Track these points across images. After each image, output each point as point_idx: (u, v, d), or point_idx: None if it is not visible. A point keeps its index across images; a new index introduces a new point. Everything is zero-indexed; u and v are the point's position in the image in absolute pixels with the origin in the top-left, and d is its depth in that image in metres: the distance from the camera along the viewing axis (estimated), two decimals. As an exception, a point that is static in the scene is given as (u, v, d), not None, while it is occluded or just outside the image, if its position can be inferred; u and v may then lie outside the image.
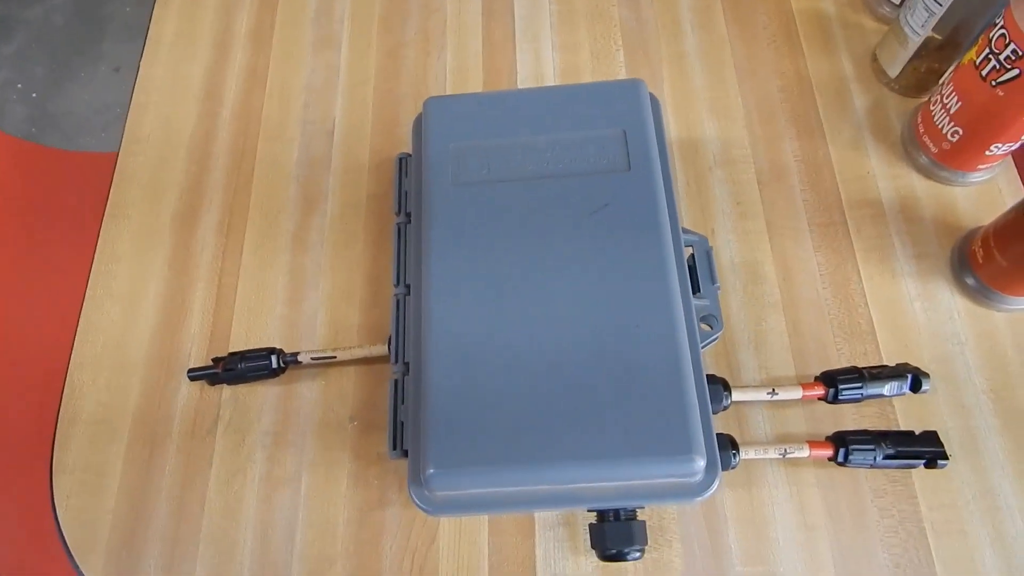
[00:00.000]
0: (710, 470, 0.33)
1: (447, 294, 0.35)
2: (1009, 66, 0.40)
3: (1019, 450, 0.42)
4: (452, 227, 0.37)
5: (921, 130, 0.49)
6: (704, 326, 0.38)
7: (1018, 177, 0.49)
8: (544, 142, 0.38)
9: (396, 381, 0.39)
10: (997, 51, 0.41)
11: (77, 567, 0.41)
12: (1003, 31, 0.40)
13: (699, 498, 0.33)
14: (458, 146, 0.39)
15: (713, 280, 0.39)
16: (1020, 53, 0.39)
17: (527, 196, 0.37)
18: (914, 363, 0.43)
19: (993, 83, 0.42)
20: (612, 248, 0.35)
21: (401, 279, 0.41)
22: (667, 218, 0.36)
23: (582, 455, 0.32)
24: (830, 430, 0.41)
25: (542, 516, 0.41)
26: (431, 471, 0.32)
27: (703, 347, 0.37)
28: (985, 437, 0.42)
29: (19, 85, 1.62)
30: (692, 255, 0.40)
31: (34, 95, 1.62)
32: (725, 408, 0.39)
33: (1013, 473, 0.41)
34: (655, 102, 0.42)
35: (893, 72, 0.51)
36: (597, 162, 0.37)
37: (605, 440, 0.32)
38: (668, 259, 0.35)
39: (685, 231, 0.39)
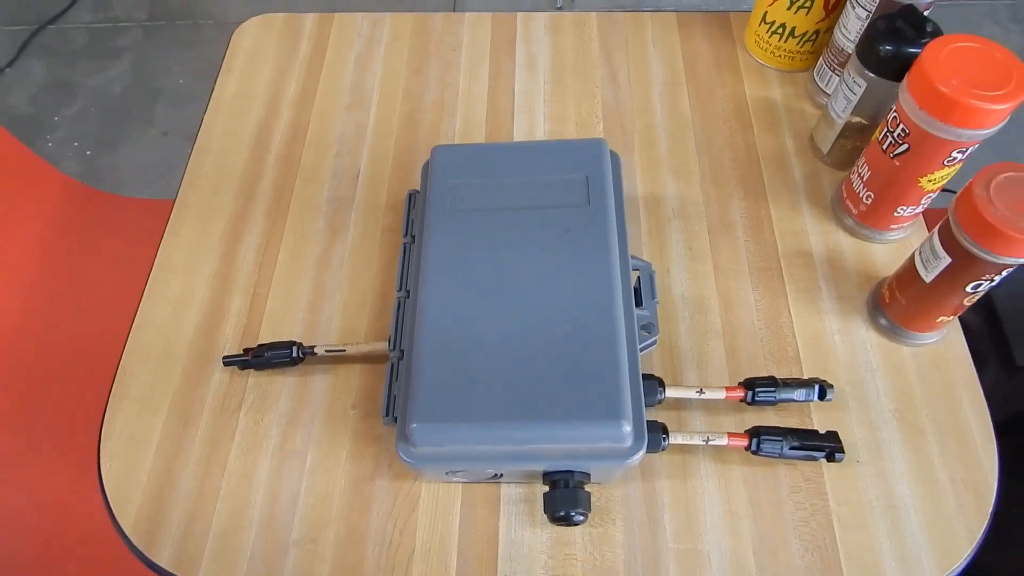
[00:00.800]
0: (638, 439, 0.41)
1: (437, 292, 0.45)
2: (901, 141, 0.50)
3: (916, 459, 0.49)
4: (446, 242, 0.46)
5: (844, 195, 0.58)
6: (644, 332, 0.47)
7: (927, 235, 0.58)
8: (524, 182, 0.49)
9: (392, 364, 0.47)
10: (892, 129, 0.51)
11: (113, 516, 0.48)
12: (895, 114, 0.50)
13: (627, 460, 0.41)
14: (456, 183, 0.49)
15: (653, 296, 0.48)
16: (908, 131, 0.49)
17: (507, 222, 0.47)
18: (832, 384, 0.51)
19: (891, 155, 0.51)
20: (571, 262, 0.45)
21: (403, 285, 0.50)
22: (616, 243, 0.46)
23: (535, 416, 0.40)
24: (754, 432, 0.49)
25: (506, 492, 0.48)
26: (414, 425, 0.40)
27: (642, 348, 0.46)
28: (889, 448, 0.50)
29: (75, 143, 1.79)
30: (639, 278, 0.49)
31: (88, 152, 1.77)
32: (660, 401, 0.47)
33: (910, 479, 0.48)
34: (615, 158, 0.52)
35: (825, 149, 0.62)
36: (563, 198, 0.47)
37: (554, 405, 0.40)
38: (614, 272, 0.44)
39: (634, 258, 0.49)
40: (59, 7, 1.97)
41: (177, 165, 1.70)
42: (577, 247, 0.45)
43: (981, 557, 0.47)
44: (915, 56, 0.48)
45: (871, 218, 0.56)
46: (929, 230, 0.59)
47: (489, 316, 0.43)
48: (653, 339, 0.47)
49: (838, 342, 0.54)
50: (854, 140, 0.60)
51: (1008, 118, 0.46)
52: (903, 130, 0.49)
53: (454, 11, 1.82)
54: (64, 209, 1.01)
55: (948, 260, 0.46)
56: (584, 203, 0.47)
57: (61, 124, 1.80)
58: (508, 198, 0.48)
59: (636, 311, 0.46)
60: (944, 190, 0.53)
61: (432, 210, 0.48)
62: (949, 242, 0.45)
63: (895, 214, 0.55)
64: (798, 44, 0.65)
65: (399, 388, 0.45)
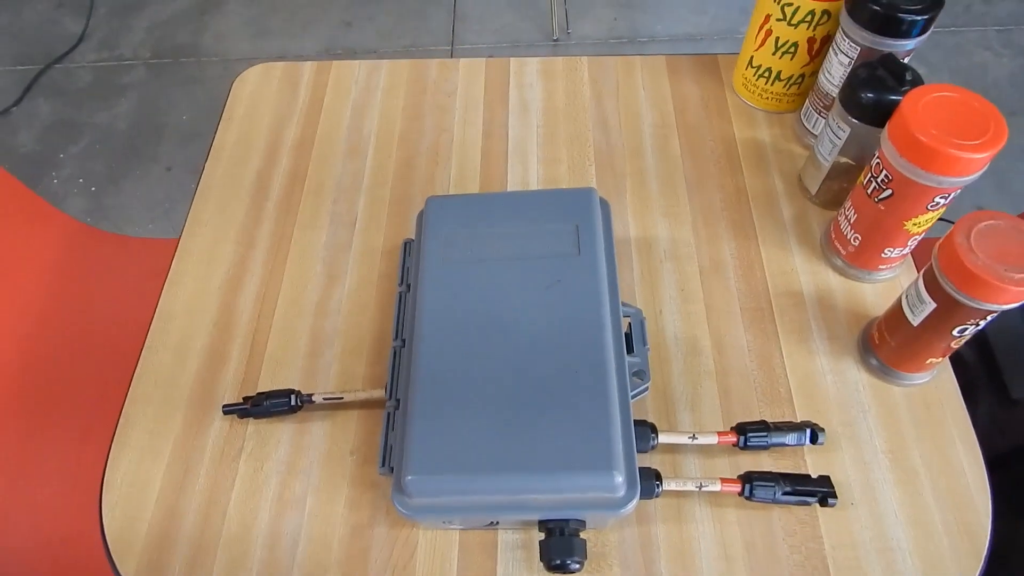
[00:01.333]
0: (631, 488, 0.42)
1: (431, 343, 0.45)
2: (885, 187, 0.51)
3: (910, 500, 0.49)
4: (440, 292, 0.47)
5: (833, 236, 0.59)
6: (635, 379, 0.48)
7: (916, 275, 0.59)
8: (516, 231, 0.50)
9: (389, 413, 0.48)
10: (876, 175, 0.52)
11: (115, 565, 0.49)
12: (878, 160, 0.51)
13: (621, 511, 0.41)
14: (449, 233, 0.51)
15: (644, 343, 0.49)
16: (891, 177, 0.50)
17: (499, 271, 0.48)
18: (824, 425, 0.52)
19: (876, 200, 0.52)
20: (562, 312, 0.46)
21: (399, 334, 0.51)
22: (606, 292, 0.47)
23: (528, 468, 0.40)
24: (748, 475, 0.49)
25: (504, 538, 0.49)
26: (409, 477, 0.41)
27: (634, 395, 0.47)
28: (882, 489, 0.50)
29: (80, 180, 1.81)
30: (630, 324, 0.50)
31: (93, 189, 1.80)
32: (653, 447, 0.48)
33: (904, 520, 0.49)
34: (605, 205, 0.53)
35: (813, 189, 0.63)
36: (554, 247, 0.48)
37: (547, 456, 0.41)
38: (605, 322, 0.45)
39: (624, 304, 0.50)
40: (65, 47, 2.01)
41: (181, 200, 1.72)
42: (568, 297, 0.46)
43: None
44: (896, 103, 0.50)
45: (859, 259, 0.57)
46: (918, 268, 0.60)
47: (482, 366, 0.44)
48: (645, 386, 0.48)
49: (830, 382, 0.55)
50: (841, 181, 0.61)
51: (988, 165, 0.47)
52: (886, 176, 0.51)
53: (451, 46, 1.84)
54: (67, 250, 1.03)
55: (933, 305, 0.47)
56: (574, 253, 0.48)
57: (67, 162, 1.83)
58: (500, 248, 0.49)
59: (627, 358, 0.47)
60: (941, 219, 0.54)
61: (426, 260, 0.50)
62: (933, 287, 0.46)
63: (883, 255, 0.56)
64: (784, 87, 0.67)
65: (395, 438, 0.46)
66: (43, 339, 0.89)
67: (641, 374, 0.48)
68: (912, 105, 0.48)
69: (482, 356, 0.44)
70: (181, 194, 1.71)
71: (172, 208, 1.71)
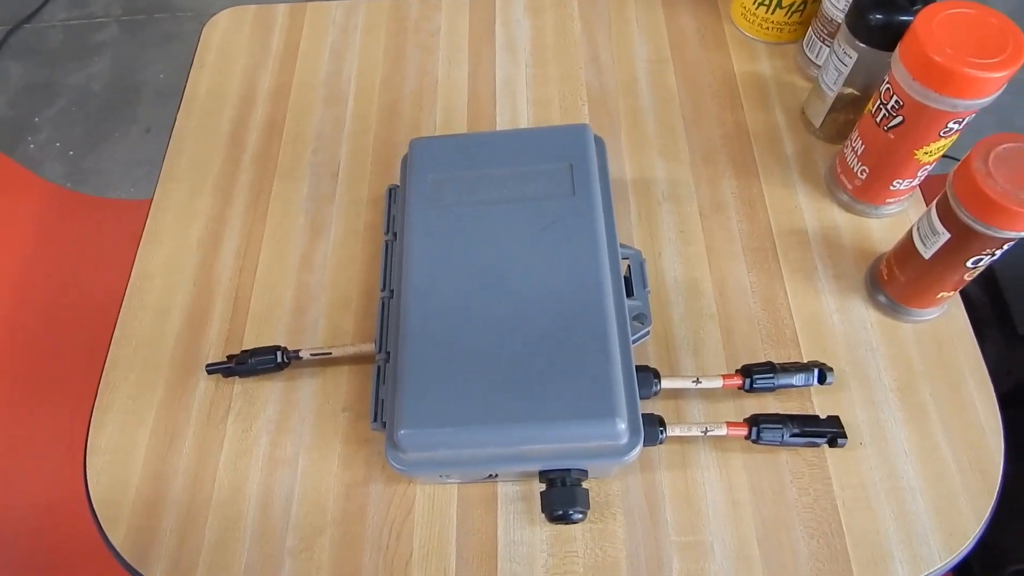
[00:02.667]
0: (634, 435, 0.40)
1: (421, 292, 0.43)
2: (895, 114, 0.48)
3: (920, 439, 0.48)
4: (428, 239, 0.45)
5: (838, 170, 0.57)
6: (636, 323, 0.46)
7: (926, 208, 0.57)
8: (506, 173, 0.47)
9: (379, 367, 0.46)
10: (886, 102, 0.49)
11: (104, 532, 0.47)
12: (888, 85, 0.48)
13: (624, 458, 0.40)
14: (436, 177, 0.48)
15: (644, 285, 0.47)
16: (902, 103, 0.48)
17: (490, 216, 0.45)
18: (832, 366, 0.50)
19: (885, 128, 0.50)
20: (558, 255, 0.43)
21: (387, 284, 0.49)
22: (603, 233, 0.44)
23: (526, 417, 0.39)
24: (753, 419, 0.48)
25: (503, 491, 0.47)
26: (402, 432, 0.39)
27: (635, 339, 0.44)
28: (891, 428, 0.48)
29: (57, 144, 1.76)
30: (629, 267, 0.48)
31: (71, 153, 1.75)
32: (656, 393, 0.46)
33: (915, 459, 0.47)
34: (600, 142, 0.50)
35: (817, 123, 0.60)
36: (548, 188, 0.46)
37: (546, 405, 0.39)
38: (603, 264, 0.43)
39: (623, 246, 0.47)
40: (33, 6, 1.93)
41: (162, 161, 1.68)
42: (563, 239, 0.44)
43: (990, 533, 0.46)
44: (907, 25, 0.47)
45: (866, 193, 0.55)
46: (926, 202, 0.58)
47: (475, 314, 0.42)
48: (646, 330, 0.46)
49: (837, 322, 0.53)
50: (847, 113, 0.58)
51: (1005, 85, 0.44)
52: (897, 102, 0.48)
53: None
54: (46, 215, 1.00)
55: (947, 236, 0.44)
56: (569, 193, 0.45)
57: (43, 125, 1.77)
58: (490, 190, 0.46)
59: (627, 302, 0.45)
60: (945, 156, 0.51)
61: (412, 206, 0.47)
62: (947, 217, 0.44)
63: (891, 188, 0.54)
64: (786, 15, 0.63)
65: (387, 392, 0.44)
66: (26, 306, 0.87)
67: (642, 318, 0.46)
68: (926, 23, 0.45)
69: (474, 303, 0.42)
70: (162, 155, 1.66)
71: (153, 170, 1.65)
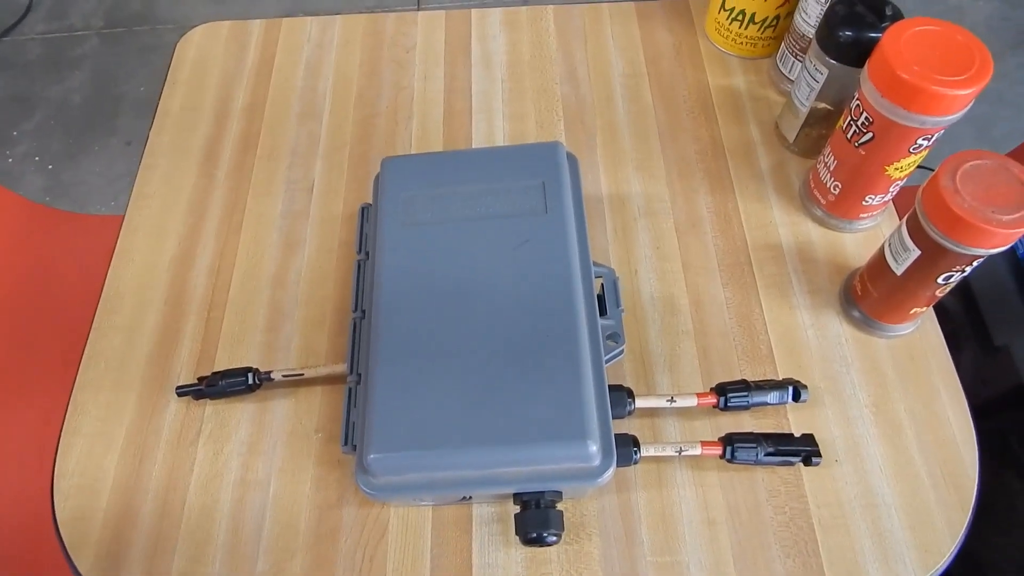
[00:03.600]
0: (607, 456, 0.39)
1: (392, 313, 0.43)
2: (865, 130, 0.49)
3: (895, 455, 0.48)
4: (399, 258, 0.44)
5: (812, 185, 0.57)
6: (609, 343, 0.45)
7: (899, 223, 0.57)
8: (478, 191, 0.47)
9: (350, 389, 0.46)
10: (856, 118, 0.49)
11: (70, 558, 0.46)
12: (858, 102, 0.49)
13: (598, 480, 0.39)
14: (407, 196, 0.47)
15: (618, 304, 0.47)
16: (871, 120, 0.48)
17: (463, 234, 0.45)
18: (806, 381, 0.50)
19: (856, 144, 0.50)
20: (530, 275, 0.43)
21: (358, 305, 0.48)
22: (576, 252, 0.44)
23: (497, 440, 0.38)
24: (729, 437, 0.48)
25: (478, 513, 0.47)
26: (372, 456, 0.39)
27: (608, 359, 0.44)
28: (866, 444, 0.48)
29: (36, 158, 1.74)
30: (602, 285, 0.48)
31: (50, 167, 1.73)
32: (630, 413, 0.46)
33: (890, 475, 0.47)
34: (572, 159, 0.50)
35: (791, 137, 0.60)
36: (520, 207, 0.46)
37: (517, 427, 0.38)
38: (575, 284, 0.42)
39: (596, 264, 0.47)
40: (12, 18, 1.91)
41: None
42: (536, 258, 0.43)
43: (970, 544, 0.46)
44: (875, 41, 0.47)
45: (840, 208, 0.55)
46: (900, 216, 0.58)
47: (446, 336, 0.41)
48: (620, 349, 0.45)
49: (811, 337, 0.53)
50: (820, 128, 0.58)
51: (973, 102, 0.45)
52: (867, 119, 0.48)
53: (418, 3, 1.78)
54: (21, 231, 0.98)
55: (917, 252, 0.44)
56: (542, 211, 0.45)
57: (21, 139, 1.75)
58: (463, 209, 0.46)
59: (600, 321, 0.45)
60: (920, 167, 0.52)
61: (383, 226, 0.46)
62: (917, 234, 0.44)
63: (864, 203, 0.54)
64: (759, 30, 0.64)
65: (357, 415, 0.44)
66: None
67: (615, 337, 0.45)
68: (893, 41, 0.45)
69: (445, 324, 0.42)
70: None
71: (134, 184, 1.65)
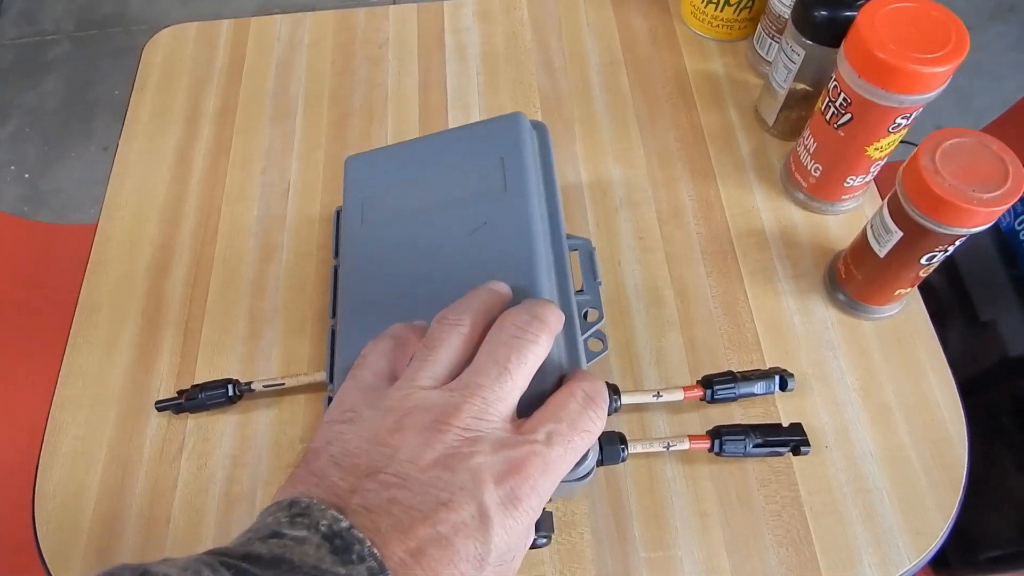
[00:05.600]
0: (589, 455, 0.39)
1: (354, 316, 0.42)
2: (843, 111, 0.48)
3: (884, 439, 0.48)
4: (360, 261, 0.43)
5: (793, 168, 0.56)
6: (591, 318, 0.45)
7: (881, 203, 0.57)
8: (436, 177, 0.45)
9: (330, 398, 0.45)
10: (834, 99, 0.48)
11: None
12: (835, 83, 0.48)
13: (581, 481, 0.39)
14: (368, 193, 0.46)
15: (595, 277, 0.46)
16: (849, 100, 0.47)
17: (423, 226, 0.43)
18: (794, 368, 0.49)
19: (835, 126, 0.49)
20: (489, 260, 0.40)
21: (335, 311, 0.47)
22: (539, 229, 0.41)
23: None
24: (717, 428, 0.47)
25: (468, 516, 0.46)
26: None
27: (586, 336, 0.44)
28: (856, 429, 0.48)
29: (12, 167, 1.71)
30: (577, 258, 0.47)
31: (27, 175, 1.70)
32: (617, 410, 0.45)
33: (880, 459, 0.47)
34: (541, 129, 0.48)
35: (770, 120, 0.59)
36: (478, 186, 0.43)
37: None
38: (538, 265, 0.39)
39: (570, 237, 0.46)
40: (-21, 25, 1.88)
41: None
42: (497, 239, 0.41)
43: (963, 519, 0.46)
44: (851, 20, 0.46)
45: (821, 190, 0.55)
46: (881, 195, 0.57)
47: None
48: (599, 324, 0.45)
49: (797, 323, 0.52)
50: (799, 109, 0.57)
51: (950, 80, 0.44)
52: (844, 99, 0.47)
53: (393, 3, 1.77)
54: (-2, 244, 0.96)
55: (900, 234, 0.44)
56: (501, 189, 0.43)
57: (-5, 148, 1.73)
58: (420, 198, 0.44)
59: (576, 298, 0.43)
60: (903, 141, 0.51)
61: (346, 228, 0.45)
62: (899, 215, 0.43)
63: (845, 185, 0.53)
64: (734, 12, 0.63)
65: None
66: (-22, 340, 0.84)
67: (594, 308, 0.44)
68: (868, 20, 0.44)
69: (406, 320, 0.40)
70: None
71: (106, 193, 1.63)
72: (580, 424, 0.31)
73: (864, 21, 0.44)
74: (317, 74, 0.66)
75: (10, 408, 0.79)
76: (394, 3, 0.72)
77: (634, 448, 0.44)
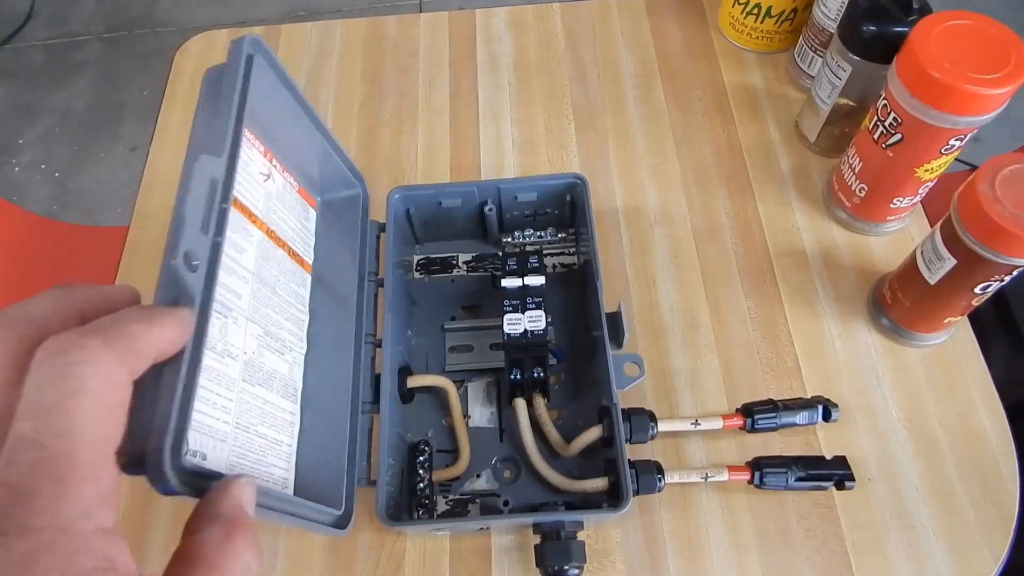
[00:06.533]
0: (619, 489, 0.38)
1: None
2: (893, 131, 0.46)
3: (931, 472, 0.46)
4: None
5: (836, 187, 0.54)
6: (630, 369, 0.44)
7: (928, 225, 0.55)
8: None
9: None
10: (883, 118, 0.47)
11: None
12: (885, 101, 0.46)
13: (617, 512, 0.38)
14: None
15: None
16: (900, 120, 0.45)
17: None
18: (835, 396, 0.48)
19: (883, 146, 0.47)
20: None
21: (375, 332, 0.47)
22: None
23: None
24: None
25: (497, 542, 0.45)
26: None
27: (628, 385, 0.43)
28: (901, 461, 0.46)
29: (43, 166, 1.73)
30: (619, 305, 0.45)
31: (56, 175, 1.72)
32: (652, 437, 0.44)
33: (927, 494, 0.45)
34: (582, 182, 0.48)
35: (812, 136, 0.58)
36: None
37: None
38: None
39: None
40: (12, 26, 1.90)
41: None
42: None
43: (1014, 556, 0.44)
44: (902, 36, 0.44)
45: (866, 211, 0.53)
46: (928, 217, 0.55)
47: None
48: (641, 376, 0.43)
49: (839, 348, 0.50)
50: (842, 125, 0.56)
51: (1008, 101, 0.42)
52: (895, 119, 0.45)
53: (420, 11, 1.75)
54: (28, 246, 0.97)
55: (953, 262, 0.42)
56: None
57: (26, 147, 1.75)
58: None
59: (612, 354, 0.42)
60: (957, 160, 0.49)
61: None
62: (953, 243, 0.42)
63: (891, 206, 0.51)
64: (775, 24, 0.61)
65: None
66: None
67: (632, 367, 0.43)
68: (923, 36, 0.42)
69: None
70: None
71: (136, 202, 1.64)
72: None
73: (918, 38, 0.42)
74: (347, 84, 0.66)
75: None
76: (420, 11, 0.71)
77: (671, 478, 0.43)
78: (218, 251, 0.29)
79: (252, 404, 0.36)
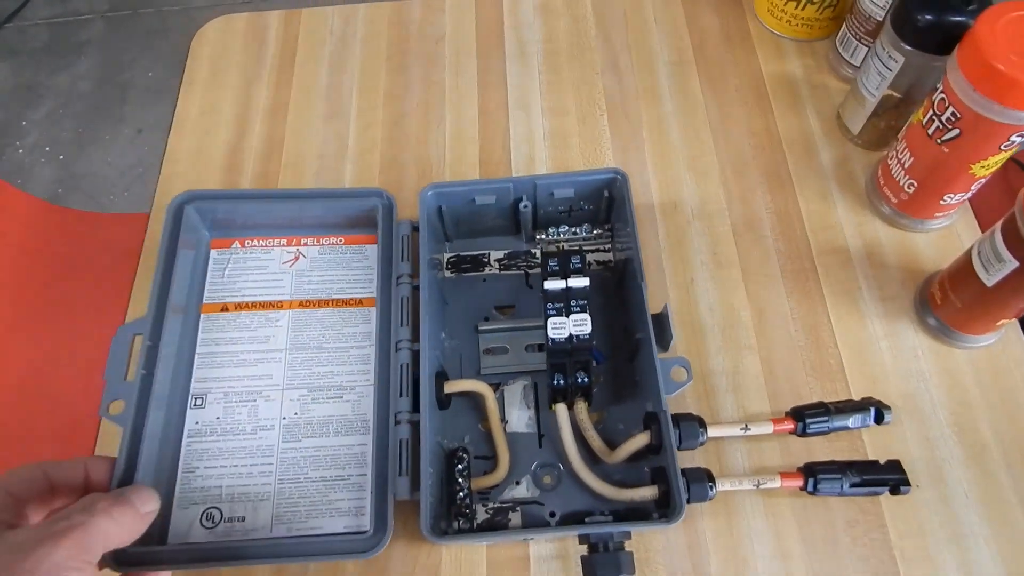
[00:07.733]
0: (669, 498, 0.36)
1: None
2: (950, 126, 0.44)
3: (982, 479, 0.45)
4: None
5: (881, 182, 0.53)
6: (677, 371, 0.42)
7: (975, 222, 0.53)
8: None
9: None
10: (939, 113, 0.45)
11: None
12: (943, 95, 0.44)
13: (669, 523, 0.37)
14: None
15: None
16: (959, 115, 0.43)
17: None
18: (881, 398, 0.46)
19: (938, 141, 0.46)
20: None
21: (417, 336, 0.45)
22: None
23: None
24: (802, 462, 0.44)
25: (536, 552, 0.44)
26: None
27: (676, 390, 0.41)
28: (950, 468, 0.45)
29: (47, 148, 1.71)
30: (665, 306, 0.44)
31: (61, 157, 1.70)
32: (702, 444, 0.43)
33: (977, 501, 0.44)
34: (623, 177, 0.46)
35: (855, 128, 0.56)
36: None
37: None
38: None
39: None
40: (14, 4, 1.87)
41: (154, 164, 1.62)
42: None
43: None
44: (961, 26, 0.42)
45: (913, 207, 0.51)
46: (975, 213, 0.54)
47: None
48: (687, 380, 0.42)
49: (885, 349, 0.49)
50: (888, 118, 0.54)
51: (1078, 96, 0.40)
52: (953, 114, 0.44)
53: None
54: (33, 233, 0.95)
55: (1015, 264, 0.40)
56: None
57: (30, 129, 1.72)
58: None
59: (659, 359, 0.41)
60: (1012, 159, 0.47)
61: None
62: (1016, 244, 0.40)
63: (941, 202, 0.50)
64: (817, 11, 0.59)
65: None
66: (16, 332, 0.83)
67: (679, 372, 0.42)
68: (987, 27, 0.40)
69: None
70: (154, 157, 1.61)
71: (147, 172, 1.62)
72: None
73: (983, 29, 0.40)
74: (371, 71, 0.63)
75: (63, 403, 0.78)
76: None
77: (722, 486, 0.41)
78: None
79: (299, 457, 0.44)
